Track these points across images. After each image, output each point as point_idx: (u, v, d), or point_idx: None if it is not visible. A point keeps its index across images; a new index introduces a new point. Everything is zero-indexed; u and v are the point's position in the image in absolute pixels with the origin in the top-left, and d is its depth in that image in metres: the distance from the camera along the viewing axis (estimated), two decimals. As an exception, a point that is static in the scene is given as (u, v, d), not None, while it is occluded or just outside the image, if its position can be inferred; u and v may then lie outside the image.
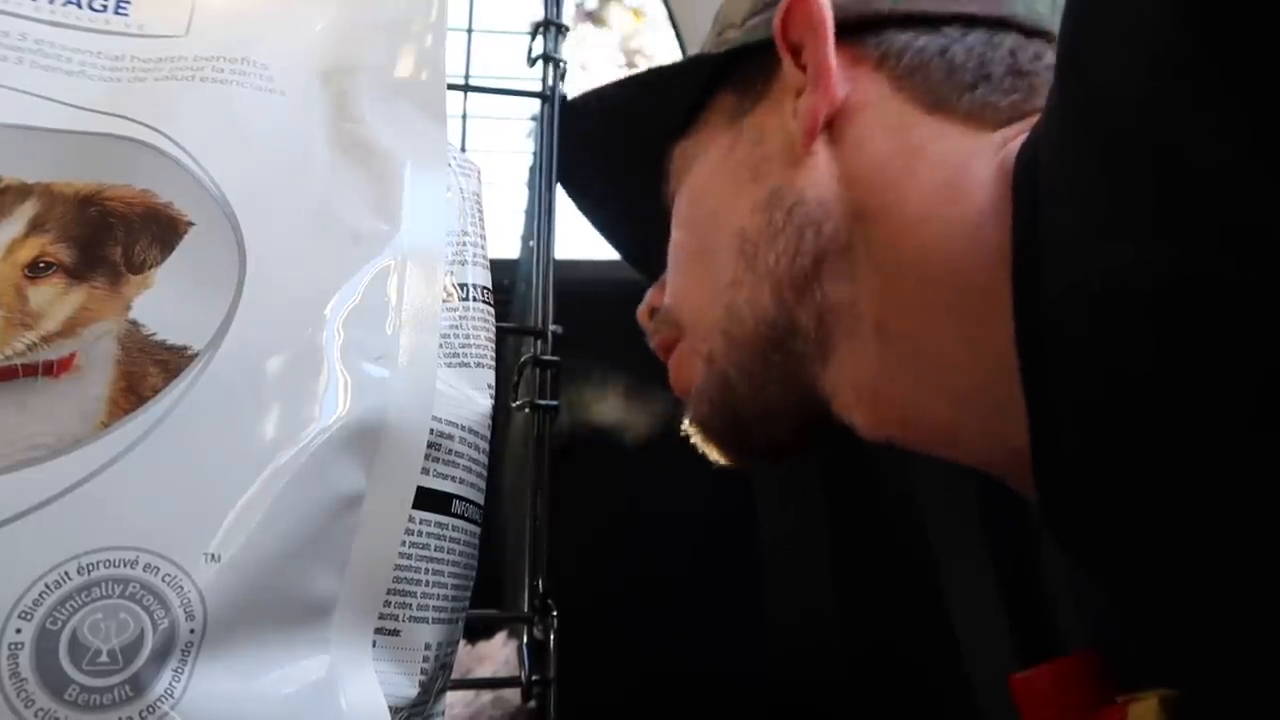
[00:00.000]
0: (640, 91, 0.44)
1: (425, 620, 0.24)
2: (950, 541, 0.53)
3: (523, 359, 0.35)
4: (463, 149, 0.40)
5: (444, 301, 0.26)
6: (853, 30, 0.37)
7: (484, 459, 0.27)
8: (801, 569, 0.65)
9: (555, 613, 0.32)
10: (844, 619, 0.61)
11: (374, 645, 0.22)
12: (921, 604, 0.53)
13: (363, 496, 0.22)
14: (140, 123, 0.24)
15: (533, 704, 0.31)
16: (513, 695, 0.46)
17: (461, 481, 0.26)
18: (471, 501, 0.26)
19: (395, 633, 0.23)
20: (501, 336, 0.30)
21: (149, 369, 0.20)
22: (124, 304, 0.21)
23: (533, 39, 0.39)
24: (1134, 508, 0.24)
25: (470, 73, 0.49)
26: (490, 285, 0.30)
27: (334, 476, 0.21)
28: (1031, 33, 0.36)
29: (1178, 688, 0.25)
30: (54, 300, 0.21)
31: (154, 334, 0.21)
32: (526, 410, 0.35)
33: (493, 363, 0.28)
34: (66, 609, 0.17)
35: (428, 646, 0.24)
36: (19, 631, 0.17)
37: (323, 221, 0.24)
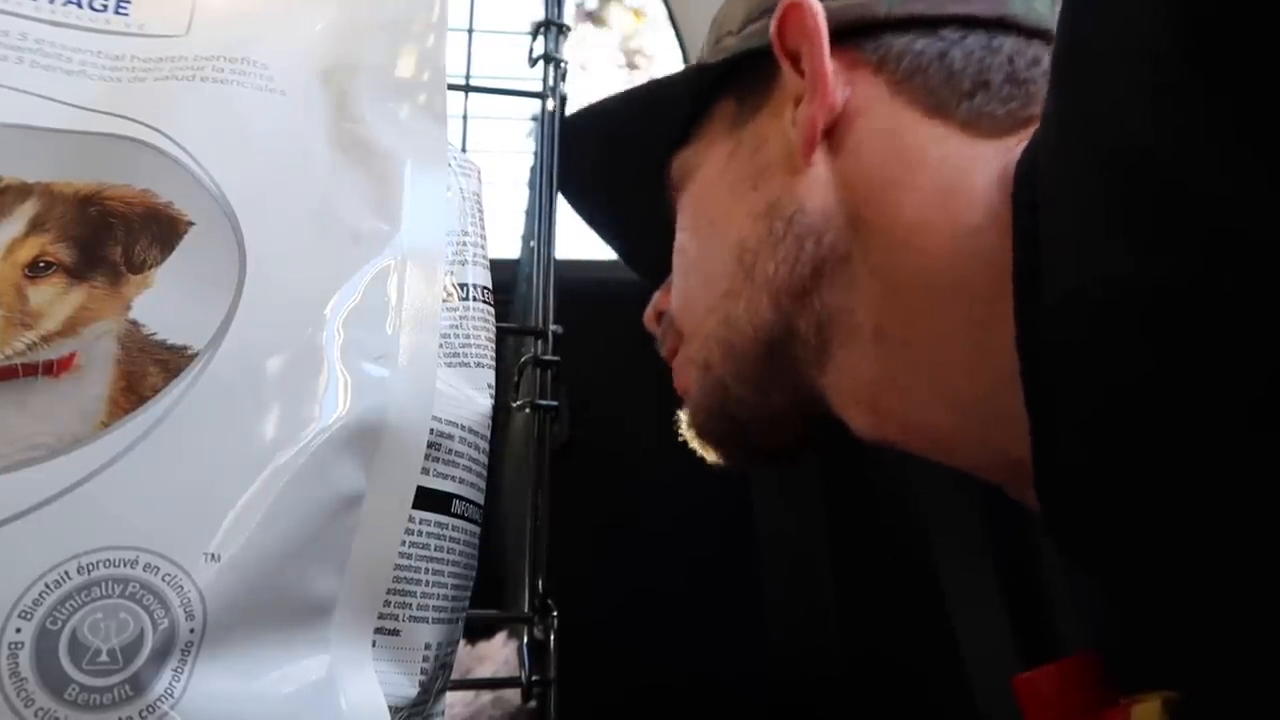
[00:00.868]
0: (640, 107, 0.45)
1: (425, 620, 0.24)
2: (950, 542, 0.53)
3: (523, 359, 0.35)
4: (463, 149, 0.40)
5: (444, 301, 0.26)
6: (849, 35, 0.37)
7: (484, 459, 0.27)
8: (801, 570, 0.65)
9: (555, 613, 0.32)
10: (844, 619, 0.61)
11: (374, 645, 0.22)
12: (921, 605, 0.53)
13: (363, 496, 0.22)
14: (140, 122, 0.24)
15: (533, 704, 0.31)
16: (513, 695, 0.46)
17: (461, 481, 0.26)
18: (471, 501, 0.26)
19: (395, 632, 0.23)
20: (501, 336, 0.30)
21: (149, 369, 0.20)
22: (124, 304, 0.21)
23: (533, 39, 0.38)
24: (1135, 512, 0.24)
25: (470, 73, 0.49)
26: (490, 285, 0.29)
27: (334, 476, 0.21)
28: (1031, 33, 0.36)
29: (1179, 689, 0.25)
30: (54, 300, 0.21)
31: (154, 334, 0.21)
32: (526, 410, 0.35)
33: (493, 363, 0.28)
34: (66, 609, 0.17)
35: (428, 646, 0.24)
36: (19, 631, 0.17)
37: (323, 221, 0.24)
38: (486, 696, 0.47)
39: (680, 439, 0.45)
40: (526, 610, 0.32)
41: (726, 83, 0.42)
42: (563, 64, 0.38)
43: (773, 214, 0.37)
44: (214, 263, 0.22)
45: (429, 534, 0.24)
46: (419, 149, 0.27)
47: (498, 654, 0.52)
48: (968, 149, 0.34)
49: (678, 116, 0.44)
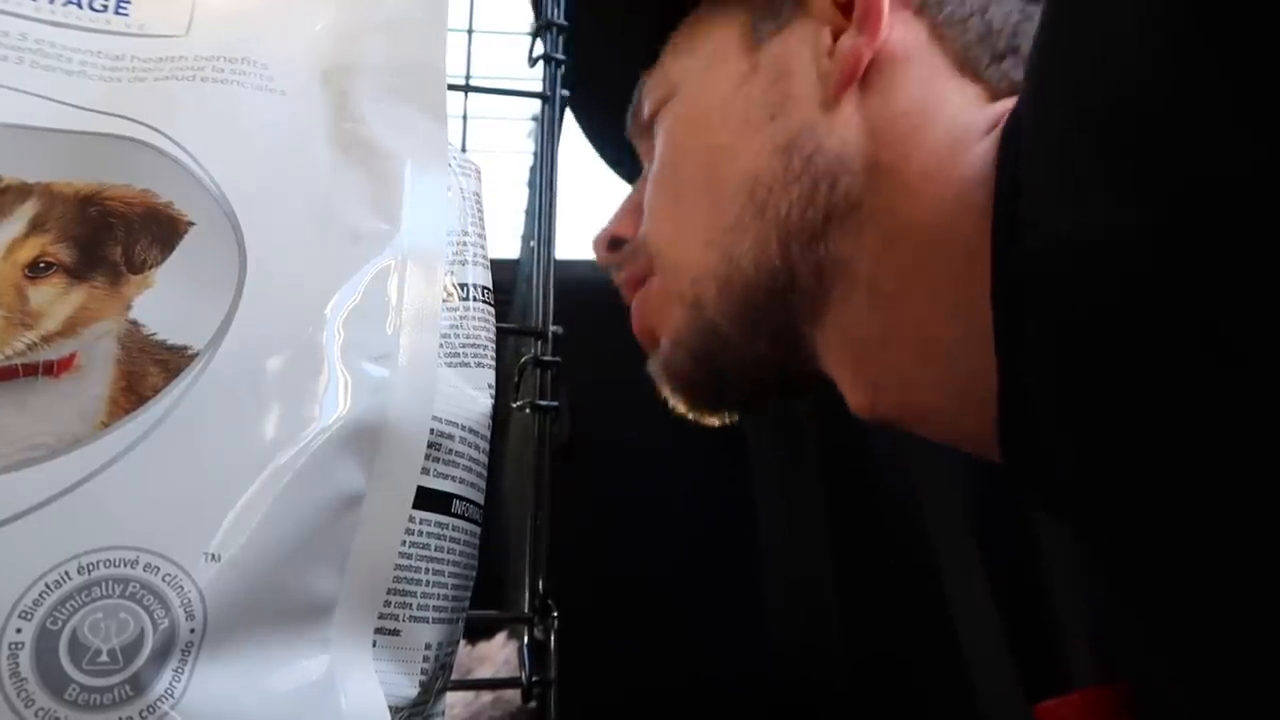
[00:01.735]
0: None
1: (425, 620, 0.24)
2: (951, 542, 0.53)
3: (523, 359, 0.35)
4: (463, 149, 0.40)
5: (444, 301, 0.26)
6: None
7: (484, 459, 0.27)
8: (802, 570, 0.65)
9: (555, 613, 0.32)
10: (845, 620, 0.61)
11: (374, 645, 0.22)
12: (923, 605, 0.53)
13: (363, 496, 0.22)
14: (140, 123, 0.24)
15: (533, 704, 0.31)
16: (513, 696, 0.46)
17: (462, 481, 0.26)
18: (472, 501, 0.26)
19: (395, 633, 0.23)
20: (501, 336, 0.30)
21: (149, 369, 0.20)
22: (124, 304, 0.21)
23: (533, 39, 0.38)
24: (1100, 454, 0.24)
25: (470, 73, 0.49)
26: (490, 285, 0.29)
27: (334, 476, 0.21)
28: None
29: (1158, 660, 0.25)
30: (54, 300, 0.21)
31: (154, 334, 0.21)
32: (526, 410, 0.35)
33: (493, 363, 0.28)
34: (67, 609, 0.17)
35: (428, 646, 0.24)
36: (19, 631, 0.17)
37: (323, 221, 0.24)
38: (486, 697, 0.47)
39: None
40: (526, 610, 0.32)
41: None
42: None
43: (791, 150, 0.35)
44: (214, 263, 0.22)
45: (429, 534, 0.24)
46: (419, 149, 0.27)
47: (498, 654, 0.52)
48: (986, 107, 0.33)
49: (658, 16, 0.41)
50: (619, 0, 0.43)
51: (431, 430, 0.24)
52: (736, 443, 0.70)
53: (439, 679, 0.25)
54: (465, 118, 0.51)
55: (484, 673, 0.50)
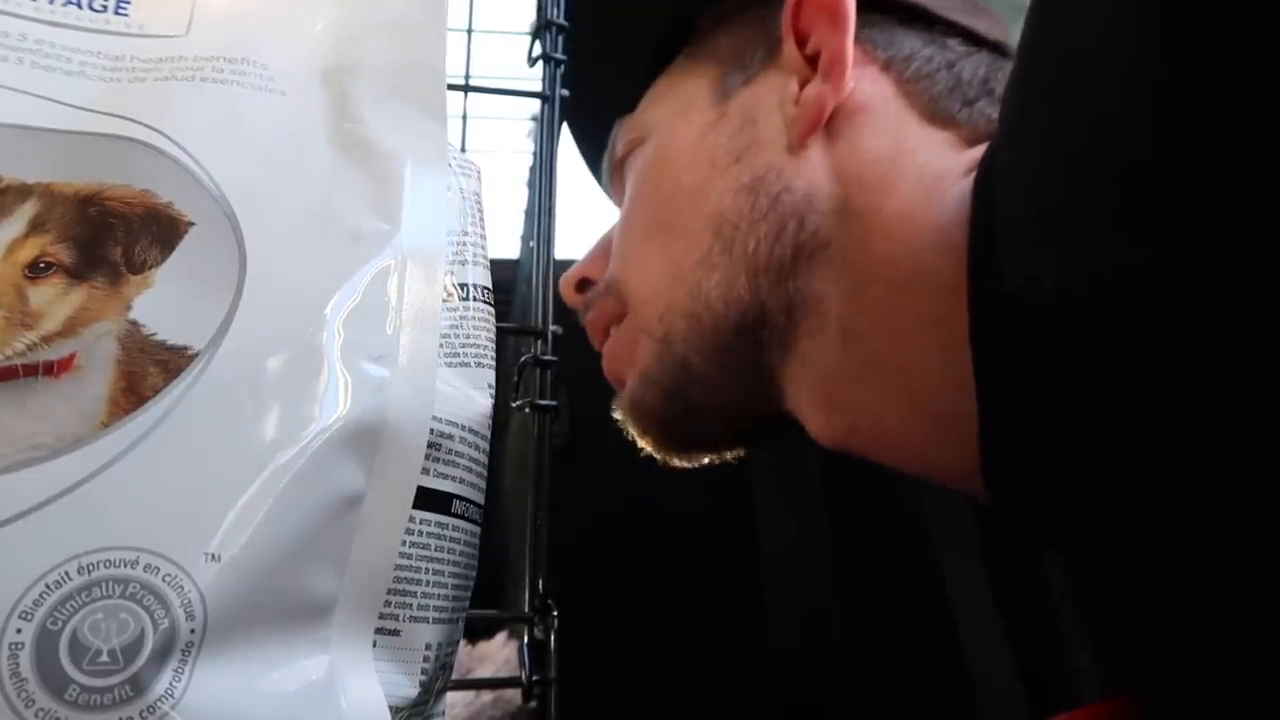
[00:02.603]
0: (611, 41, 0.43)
1: (425, 620, 0.24)
2: (952, 540, 0.53)
3: (523, 359, 0.35)
4: (463, 149, 0.40)
5: (444, 301, 0.26)
6: (860, 23, 0.37)
7: (484, 459, 0.27)
8: (802, 569, 0.65)
9: (555, 613, 0.32)
10: (845, 619, 0.61)
11: (374, 645, 0.22)
12: (923, 604, 0.53)
13: (363, 496, 0.22)
14: (140, 123, 0.24)
15: (533, 704, 0.31)
16: (513, 695, 0.46)
17: (462, 481, 0.26)
18: (472, 501, 0.26)
19: (395, 633, 0.23)
20: (501, 336, 0.30)
21: (149, 369, 0.20)
22: (124, 304, 0.21)
23: (533, 39, 0.38)
24: (1085, 499, 0.24)
25: (470, 73, 0.49)
26: (490, 285, 0.29)
27: (334, 476, 0.21)
28: None
29: (1141, 678, 0.25)
30: (54, 300, 0.21)
31: (154, 334, 0.21)
32: (526, 410, 0.35)
33: (493, 363, 0.28)
34: (67, 609, 0.17)
35: (428, 646, 0.24)
36: (19, 631, 0.17)
37: (323, 221, 0.24)
38: (487, 696, 0.47)
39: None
40: (526, 610, 0.32)
41: (701, 48, 0.41)
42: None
43: (757, 189, 0.36)
44: (214, 263, 0.22)
45: (429, 534, 0.24)
46: (419, 149, 0.27)
47: (498, 654, 0.52)
48: (956, 153, 0.34)
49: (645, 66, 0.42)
50: (609, 55, 0.44)
51: (431, 430, 0.24)
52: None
53: (439, 679, 0.25)
54: (465, 118, 0.51)
55: (484, 673, 0.50)
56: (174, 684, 0.18)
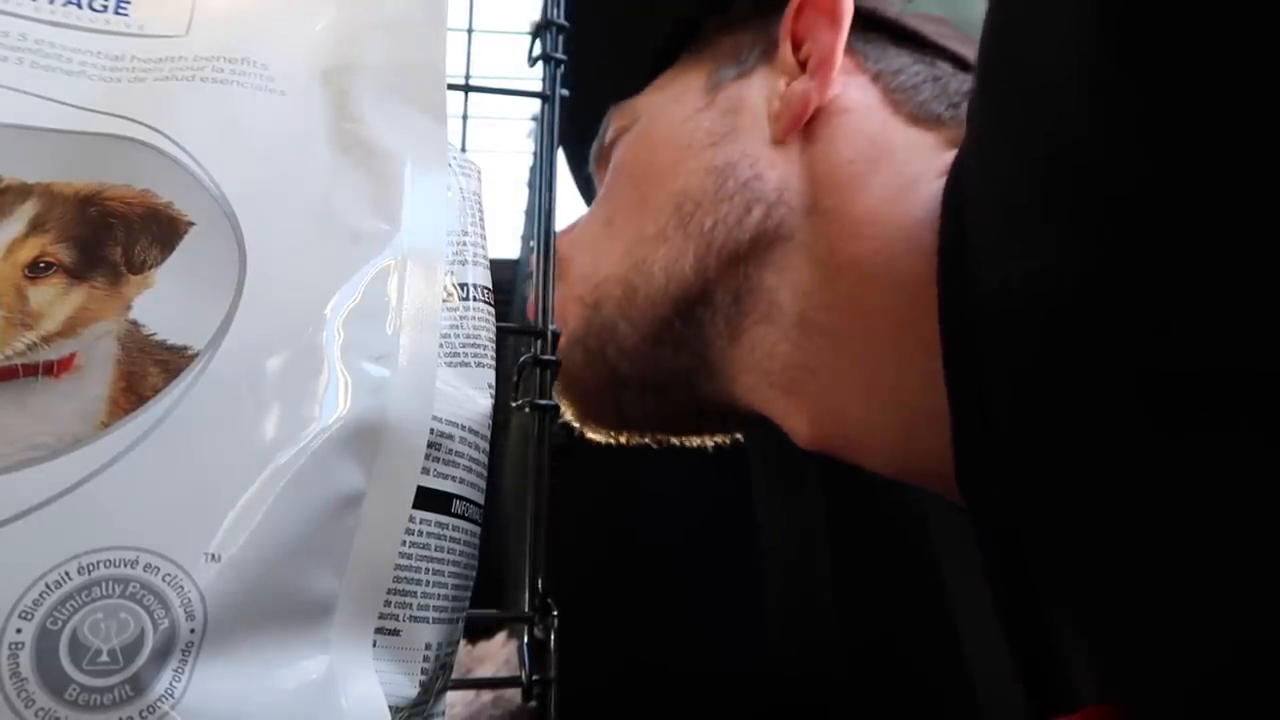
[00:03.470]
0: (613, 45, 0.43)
1: (425, 620, 0.24)
2: (952, 537, 0.53)
3: (523, 359, 0.35)
4: (463, 149, 0.40)
5: (444, 301, 0.26)
6: (855, 37, 0.37)
7: (484, 459, 0.27)
8: (801, 565, 0.65)
9: (555, 613, 0.32)
10: (844, 615, 0.61)
11: (374, 645, 0.22)
12: (922, 600, 0.53)
13: (363, 496, 0.22)
14: (140, 123, 0.24)
15: (533, 704, 0.31)
16: (513, 695, 0.46)
17: (462, 481, 0.26)
18: (472, 501, 0.26)
19: (395, 633, 0.23)
20: (501, 336, 0.30)
21: (149, 369, 0.20)
22: (124, 304, 0.21)
23: (533, 39, 0.38)
24: (1049, 504, 0.24)
25: (470, 73, 0.49)
26: (490, 285, 0.29)
27: (334, 476, 0.21)
28: None
29: (1120, 683, 0.25)
30: (54, 300, 0.21)
31: (154, 334, 0.21)
32: (526, 410, 0.35)
33: (493, 363, 0.28)
34: (67, 609, 0.17)
35: (428, 646, 0.24)
36: (19, 631, 0.17)
37: (323, 221, 0.24)
38: (487, 696, 0.47)
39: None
40: (526, 610, 0.32)
41: (703, 49, 0.42)
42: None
43: (727, 172, 0.36)
44: (214, 263, 0.22)
45: (429, 534, 0.24)
46: (419, 149, 0.27)
47: (498, 654, 0.52)
48: (935, 155, 0.34)
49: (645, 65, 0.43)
50: (613, 55, 0.44)
51: (431, 430, 0.24)
52: (735, 440, 0.70)
53: (439, 679, 0.25)
54: (465, 118, 0.51)
55: (484, 672, 0.50)
56: (174, 684, 0.18)
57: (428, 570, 0.24)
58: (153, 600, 0.18)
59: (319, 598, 0.21)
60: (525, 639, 0.32)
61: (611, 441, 0.46)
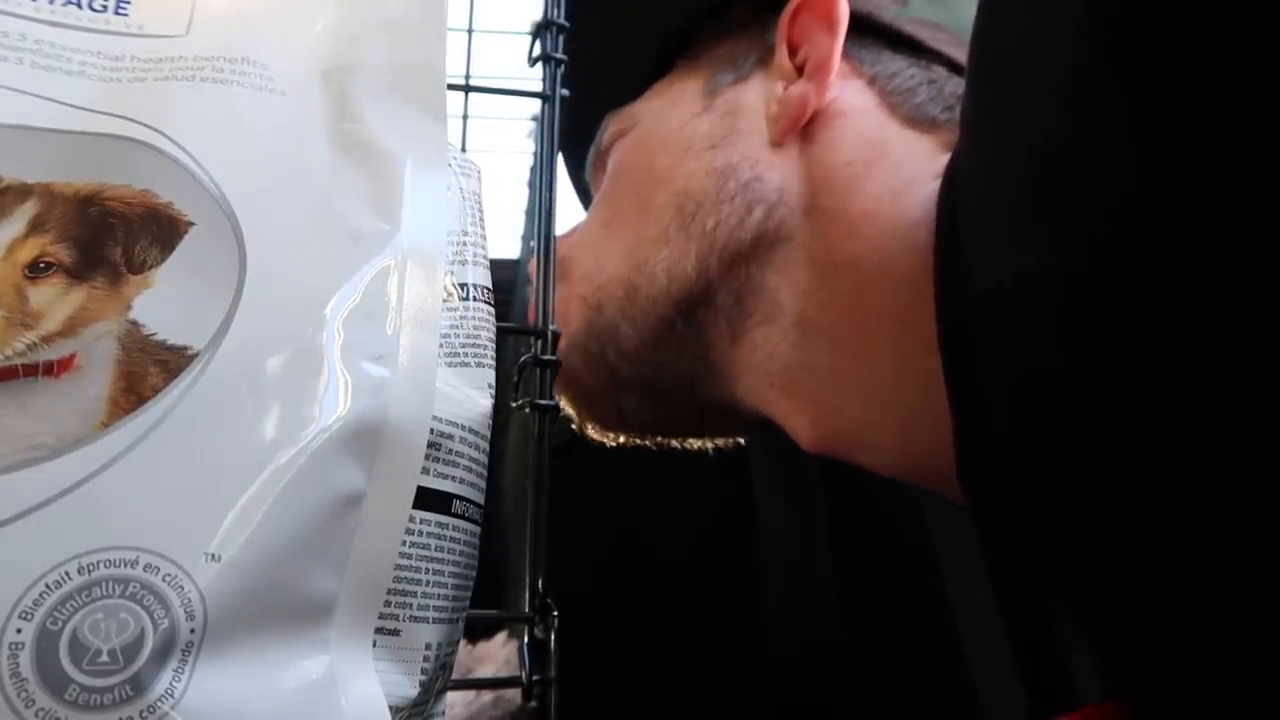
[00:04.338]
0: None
1: (426, 620, 0.24)
2: (952, 537, 0.53)
3: (523, 359, 0.35)
4: (463, 149, 0.40)
5: (444, 301, 0.26)
6: (851, 42, 0.37)
7: (484, 459, 0.27)
8: (801, 566, 0.65)
9: (555, 613, 0.32)
10: (844, 615, 0.61)
11: (374, 645, 0.22)
12: (923, 600, 0.53)
13: (363, 496, 0.22)
14: (140, 123, 0.24)
15: (533, 704, 0.31)
16: (513, 695, 0.46)
17: (462, 481, 0.26)
18: (472, 501, 0.26)
19: (395, 633, 0.23)
20: (501, 336, 0.30)
21: (149, 369, 0.20)
22: (124, 304, 0.21)
23: (533, 39, 0.38)
24: (1049, 503, 0.24)
25: (470, 73, 0.49)
26: (490, 285, 0.29)
27: (334, 476, 0.21)
28: None
29: (1118, 680, 0.25)
30: (54, 300, 0.21)
31: (154, 334, 0.21)
32: (526, 410, 0.35)
33: (493, 363, 0.28)
34: (67, 609, 0.17)
35: (428, 646, 0.24)
36: (19, 631, 0.17)
37: (323, 221, 0.24)
38: (487, 696, 0.47)
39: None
40: (526, 610, 0.32)
41: (699, 57, 0.42)
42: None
43: (729, 174, 0.37)
44: (214, 263, 0.22)
45: (429, 534, 0.24)
46: (419, 149, 0.27)
47: (498, 654, 0.52)
48: (931, 157, 0.34)
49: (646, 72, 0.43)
50: (611, 61, 0.45)
51: (431, 430, 0.24)
52: (736, 441, 0.70)
53: (439, 679, 0.25)
54: (465, 118, 0.51)
55: (484, 672, 0.50)
56: (174, 684, 0.18)
57: (428, 570, 0.24)
58: (153, 600, 0.18)
59: (319, 598, 0.21)
60: (525, 639, 0.32)
61: (613, 442, 0.46)
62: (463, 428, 0.26)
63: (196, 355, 0.21)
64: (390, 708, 0.21)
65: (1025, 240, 0.23)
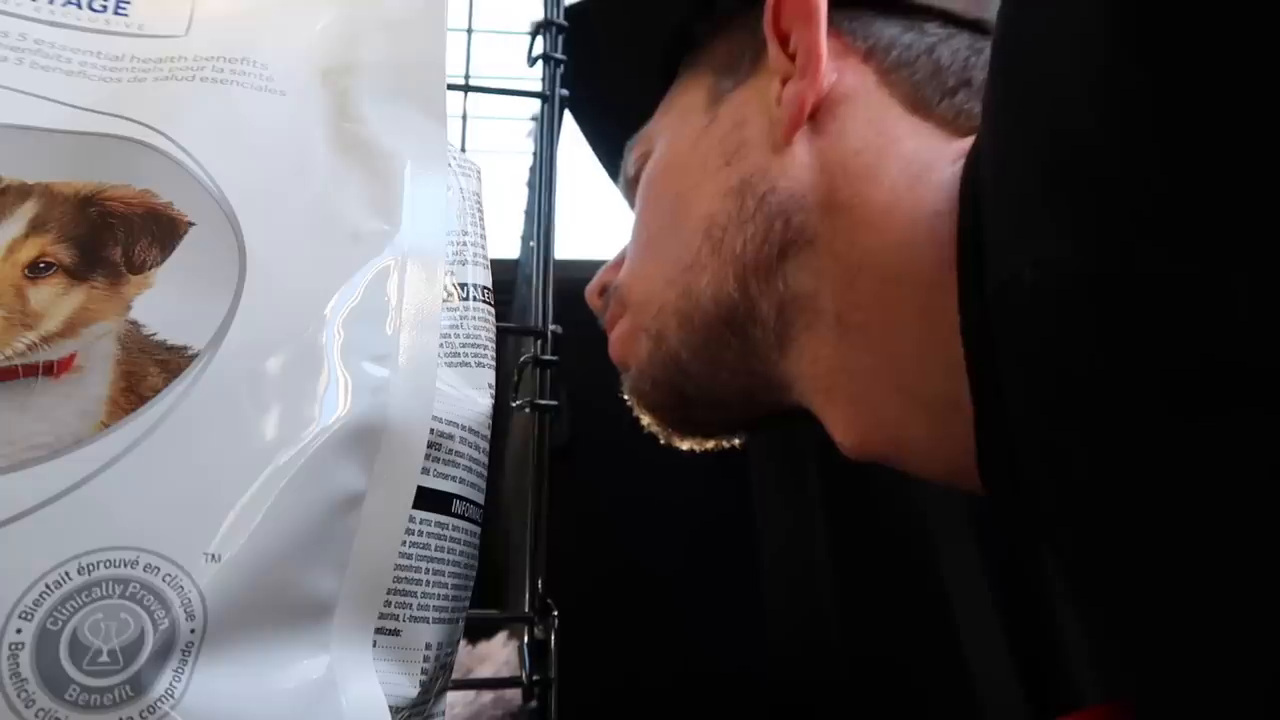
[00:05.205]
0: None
1: (426, 620, 0.24)
2: (951, 538, 0.53)
3: (523, 359, 0.35)
4: (463, 149, 0.40)
5: (444, 301, 0.26)
6: (839, 16, 0.37)
7: (484, 459, 0.27)
8: (801, 570, 0.65)
9: (555, 613, 0.32)
10: (844, 619, 0.61)
11: (374, 645, 0.22)
12: (923, 604, 0.53)
13: (363, 496, 0.22)
14: (140, 123, 0.24)
15: (534, 704, 0.31)
16: (513, 695, 0.46)
17: (462, 481, 0.26)
18: (472, 501, 0.26)
19: (396, 633, 0.23)
20: (501, 336, 0.30)
21: (149, 369, 0.20)
22: (124, 304, 0.21)
23: (533, 39, 0.38)
24: (1074, 494, 0.24)
25: (470, 73, 0.49)
26: (490, 285, 0.29)
27: (334, 476, 0.21)
28: None
29: (1132, 678, 0.25)
30: (54, 300, 0.21)
31: (154, 334, 0.21)
32: (526, 410, 0.35)
33: (493, 362, 0.28)
34: (67, 609, 0.17)
35: (428, 646, 0.24)
36: (19, 632, 0.17)
37: (323, 221, 0.24)
38: (487, 696, 0.47)
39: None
40: (526, 610, 0.32)
41: (699, 58, 0.42)
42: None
43: (744, 191, 0.37)
44: (214, 263, 0.22)
45: (429, 534, 0.24)
46: (419, 149, 0.27)
47: (498, 654, 0.52)
48: (941, 144, 0.34)
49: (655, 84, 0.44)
50: (619, 74, 0.46)
51: (431, 430, 0.24)
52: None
53: (439, 679, 0.25)
54: (465, 118, 0.51)
55: (484, 672, 0.50)
56: (174, 684, 0.18)
57: (428, 570, 0.24)
58: (153, 600, 0.18)
59: (319, 598, 0.21)
60: (525, 639, 0.32)
61: (696, 447, 0.47)
62: (463, 428, 0.26)
63: (196, 355, 0.21)
64: (390, 708, 0.21)
65: (1047, 232, 0.23)
